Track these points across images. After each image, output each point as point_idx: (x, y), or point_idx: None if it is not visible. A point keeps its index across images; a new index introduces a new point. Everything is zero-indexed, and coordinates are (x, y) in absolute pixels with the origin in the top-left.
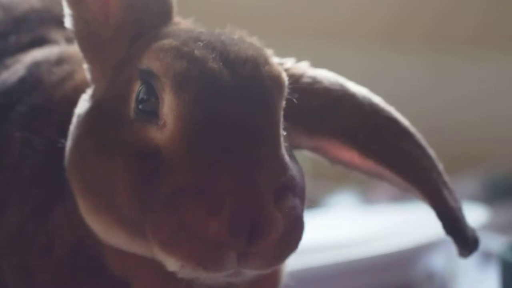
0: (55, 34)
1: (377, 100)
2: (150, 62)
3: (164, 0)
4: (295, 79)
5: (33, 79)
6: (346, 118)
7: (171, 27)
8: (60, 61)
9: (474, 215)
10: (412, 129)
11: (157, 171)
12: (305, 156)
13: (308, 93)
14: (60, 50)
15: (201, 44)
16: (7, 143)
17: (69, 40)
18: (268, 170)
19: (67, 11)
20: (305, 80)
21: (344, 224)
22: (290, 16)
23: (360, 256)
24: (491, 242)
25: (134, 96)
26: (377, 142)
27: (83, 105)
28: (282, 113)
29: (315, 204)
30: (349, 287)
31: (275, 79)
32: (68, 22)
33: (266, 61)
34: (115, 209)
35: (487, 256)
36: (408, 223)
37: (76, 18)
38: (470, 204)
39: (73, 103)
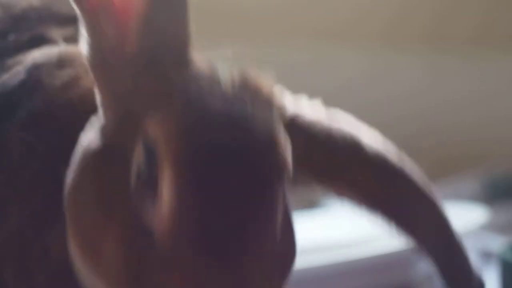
0: (54, 32)
1: (391, 155)
2: (156, 128)
3: (181, 38)
4: (307, 125)
5: (34, 82)
6: (354, 176)
7: (184, 72)
8: (61, 63)
9: (474, 215)
10: (426, 189)
11: (148, 250)
12: None
13: (319, 145)
14: (61, 51)
15: (212, 121)
16: (7, 144)
17: (68, 39)
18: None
19: (82, 33)
20: (318, 130)
21: (344, 224)
22: (290, 16)
23: (360, 256)
24: (491, 242)
25: (135, 159)
26: (387, 198)
27: (92, 136)
28: (282, 198)
29: (315, 204)
30: (349, 287)
31: (279, 169)
32: (82, 46)
33: (274, 149)
34: (101, 270)
35: (487, 256)
36: None
37: (90, 43)
38: (470, 204)
39: (80, 113)
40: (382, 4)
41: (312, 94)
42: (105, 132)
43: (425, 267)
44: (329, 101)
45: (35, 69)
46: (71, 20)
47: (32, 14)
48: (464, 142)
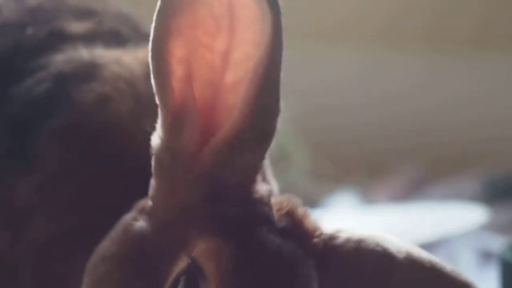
0: (73, 26)
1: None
2: (205, 257)
3: (251, 174)
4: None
5: (62, 95)
6: None
7: (242, 208)
8: (88, 77)
9: (474, 215)
10: None
11: None
12: (305, 155)
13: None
14: (83, 62)
15: (264, 265)
16: (38, 153)
17: (89, 36)
18: None
19: (158, 127)
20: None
21: (344, 224)
22: (289, 16)
23: None
24: (491, 242)
25: (175, 270)
26: None
27: (135, 217)
28: None
29: (315, 204)
30: None
31: None
32: (154, 139)
33: None
34: None
35: (487, 256)
36: (408, 223)
37: (163, 140)
38: (470, 204)
39: (110, 136)
40: (381, 4)
41: (311, 94)
42: (148, 224)
43: None
44: (329, 101)
45: (61, 80)
46: (89, 13)
47: (48, 6)
48: (464, 142)
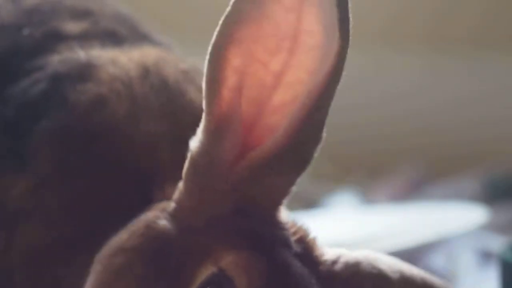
0: (69, 26)
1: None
2: (236, 270)
3: (278, 195)
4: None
5: (57, 95)
6: None
7: (270, 226)
8: (82, 77)
9: (474, 215)
10: None
11: None
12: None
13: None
14: (79, 63)
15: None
16: (34, 154)
17: (84, 35)
18: None
19: (198, 137)
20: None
21: (344, 224)
22: None
23: None
24: (491, 242)
25: (198, 279)
26: None
27: (159, 216)
28: None
29: (315, 204)
30: None
31: None
32: (192, 145)
33: None
34: None
35: (487, 256)
36: (408, 223)
37: (203, 151)
38: (470, 204)
39: (106, 137)
40: (381, 4)
41: None
42: (172, 224)
43: (425, 267)
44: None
45: (57, 81)
46: (86, 14)
47: (45, 7)
48: (464, 142)
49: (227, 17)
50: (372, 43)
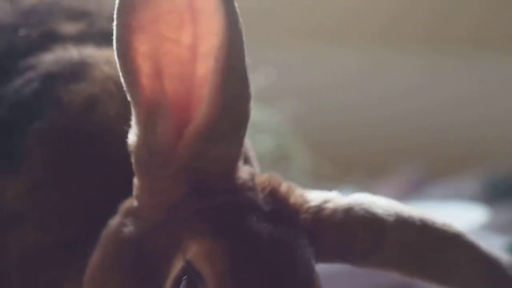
0: (66, 27)
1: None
2: (200, 260)
3: (232, 156)
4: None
5: (50, 95)
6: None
7: (230, 194)
8: (75, 76)
9: (474, 215)
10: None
11: None
12: (305, 155)
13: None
14: (73, 62)
15: (258, 264)
16: (26, 155)
17: (80, 37)
18: None
19: (133, 130)
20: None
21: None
22: (287, 16)
23: None
24: (491, 242)
25: (172, 273)
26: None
27: (121, 222)
28: None
29: None
30: (349, 286)
31: None
32: (130, 139)
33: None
34: None
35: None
36: None
37: (140, 143)
38: (470, 204)
39: (101, 138)
40: (382, 5)
41: (312, 94)
42: (138, 227)
43: None
44: (330, 101)
45: (50, 80)
46: (83, 15)
47: (42, 8)
48: (464, 142)
49: (119, 7)
50: (372, 43)
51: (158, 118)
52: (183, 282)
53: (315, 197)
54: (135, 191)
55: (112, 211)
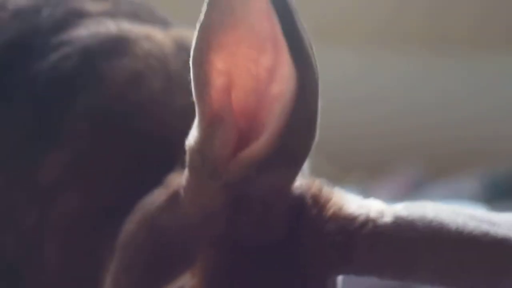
0: (91, 5)
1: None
2: (191, 284)
3: (274, 191)
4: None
5: (92, 71)
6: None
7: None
8: (116, 52)
9: None
10: None
11: None
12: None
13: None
14: (111, 36)
15: None
16: (67, 134)
17: (107, 13)
18: None
19: (192, 133)
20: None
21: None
22: None
23: None
24: None
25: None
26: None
27: (164, 207)
28: None
29: None
30: (349, 286)
31: None
32: (188, 140)
33: None
34: None
35: None
36: None
37: (196, 149)
38: (470, 204)
39: (147, 118)
40: (378, 4)
41: None
42: (175, 219)
43: None
44: (328, 101)
45: (89, 55)
46: None
47: None
48: (464, 142)
49: (202, 24)
50: (368, 42)
51: (219, 132)
52: None
53: (357, 210)
54: (185, 182)
55: (150, 185)
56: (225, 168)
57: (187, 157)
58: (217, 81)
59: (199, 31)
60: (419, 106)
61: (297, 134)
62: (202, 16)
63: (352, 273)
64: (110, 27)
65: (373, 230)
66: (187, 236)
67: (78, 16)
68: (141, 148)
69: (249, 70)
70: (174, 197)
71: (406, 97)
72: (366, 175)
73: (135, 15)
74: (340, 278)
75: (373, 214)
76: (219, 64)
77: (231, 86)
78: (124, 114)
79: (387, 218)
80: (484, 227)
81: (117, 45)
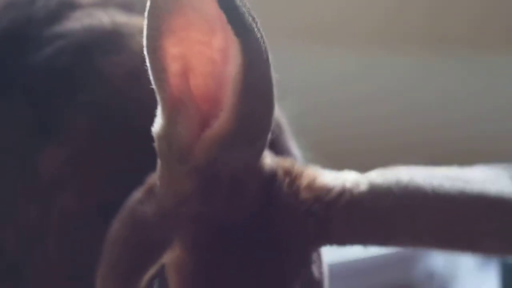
0: None
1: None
2: (171, 268)
3: (242, 167)
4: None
5: (89, 66)
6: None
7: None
8: (113, 47)
9: None
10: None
11: None
12: (303, 155)
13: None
14: (106, 31)
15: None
16: (70, 127)
17: (100, 4)
18: None
19: (157, 120)
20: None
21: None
22: (281, 16)
23: (360, 256)
24: None
25: (148, 274)
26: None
27: (142, 200)
28: None
29: None
30: (350, 286)
31: None
32: (154, 128)
33: None
34: None
35: (487, 257)
36: None
37: (161, 136)
38: None
39: (146, 111)
40: (377, 4)
41: (309, 93)
42: (151, 208)
43: (425, 267)
44: (327, 100)
45: (85, 50)
46: None
47: None
48: (464, 142)
49: (150, 10)
50: (370, 41)
51: (181, 116)
52: (156, 284)
53: (332, 179)
54: (158, 173)
55: (144, 181)
56: (191, 152)
57: (156, 145)
58: (173, 66)
59: (148, 18)
60: (419, 106)
61: (253, 109)
62: (148, 3)
63: (334, 243)
64: (103, 19)
65: (350, 200)
66: (164, 220)
67: (71, 7)
68: (140, 146)
69: (203, 53)
70: (150, 189)
71: (406, 97)
72: None
73: (128, 6)
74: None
75: (348, 184)
76: (172, 49)
77: (187, 70)
78: (124, 111)
79: (363, 187)
80: (459, 185)
81: (113, 40)
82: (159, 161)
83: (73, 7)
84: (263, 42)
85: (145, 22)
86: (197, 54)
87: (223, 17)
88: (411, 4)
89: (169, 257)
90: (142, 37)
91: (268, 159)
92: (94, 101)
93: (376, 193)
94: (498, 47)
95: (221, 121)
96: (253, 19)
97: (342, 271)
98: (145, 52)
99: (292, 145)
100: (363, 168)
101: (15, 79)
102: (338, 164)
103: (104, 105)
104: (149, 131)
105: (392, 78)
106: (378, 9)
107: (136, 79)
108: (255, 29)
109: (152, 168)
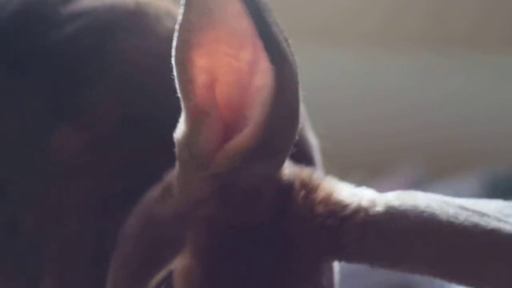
0: None
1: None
2: (178, 275)
3: (261, 179)
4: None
5: (113, 49)
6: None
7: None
8: (138, 30)
9: None
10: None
11: None
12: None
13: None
14: (129, 11)
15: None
16: (89, 111)
17: None
18: None
19: (180, 126)
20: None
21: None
22: (281, 16)
23: None
24: None
25: (156, 278)
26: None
27: (159, 200)
28: None
29: None
30: (350, 286)
31: None
32: (176, 134)
33: None
34: None
35: None
36: None
37: (183, 143)
38: None
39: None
40: (377, 4)
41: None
42: (167, 209)
43: None
44: (327, 101)
45: (107, 31)
46: None
47: None
48: (464, 142)
49: (181, 24)
50: (370, 41)
51: (204, 126)
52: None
53: (349, 198)
54: (176, 173)
55: (167, 169)
56: (212, 160)
57: (176, 150)
58: (200, 78)
59: (179, 32)
60: (419, 106)
61: (279, 125)
62: (180, 17)
63: (344, 260)
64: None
65: (365, 219)
66: (178, 223)
67: None
68: (163, 134)
69: (231, 65)
70: (167, 189)
71: (406, 97)
72: (366, 175)
73: None
74: (336, 265)
75: (365, 202)
76: (200, 61)
77: (214, 82)
78: (150, 99)
79: (379, 208)
80: (475, 218)
81: (137, 23)
82: (177, 165)
83: None
84: (296, 67)
85: (175, 35)
86: (224, 65)
87: (253, 31)
88: (411, 4)
89: (179, 264)
90: (167, 19)
91: (287, 170)
92: (120, 86)
93: (392, 216)
94: (498, 47)
95: (246, 135)
96: (286, 40)
97: (342, 271)
98: (172, 62)
99: (310, 135)
100: (363, 167)
101: (34, 55)
102: (338, 164)
103: (130, 91)
104: (173, 126)
105: (392, 78)
106: (379, 9)
107: (160, 63)
108: (289, 54)
109: (171, 163)
